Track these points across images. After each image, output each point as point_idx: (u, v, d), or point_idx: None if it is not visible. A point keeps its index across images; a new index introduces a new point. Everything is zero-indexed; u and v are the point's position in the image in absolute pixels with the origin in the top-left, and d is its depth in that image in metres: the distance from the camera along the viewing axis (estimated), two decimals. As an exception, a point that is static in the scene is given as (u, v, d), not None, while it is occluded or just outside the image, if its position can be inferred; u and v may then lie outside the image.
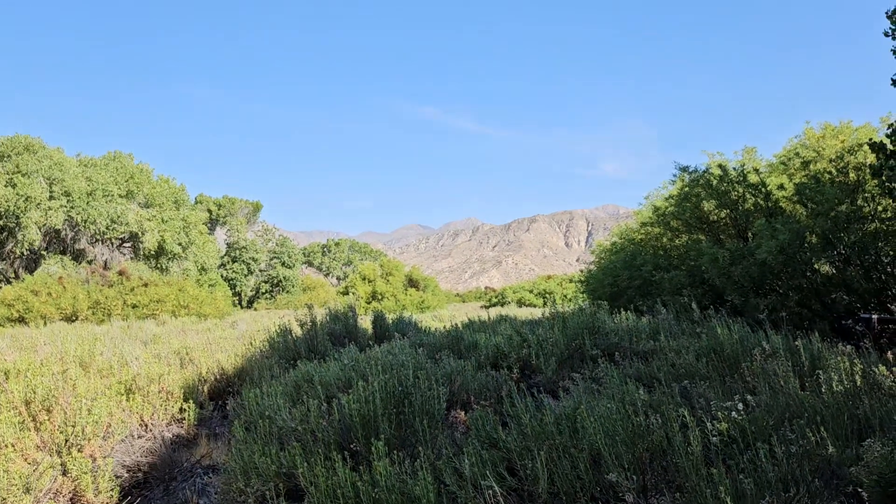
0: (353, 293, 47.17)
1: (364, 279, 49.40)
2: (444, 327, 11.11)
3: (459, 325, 10.55)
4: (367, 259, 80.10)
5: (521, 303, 59.40)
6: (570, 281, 62.10)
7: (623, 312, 9.54)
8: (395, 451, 4.02)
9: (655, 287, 13.54)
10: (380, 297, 46.43)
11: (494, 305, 57.31)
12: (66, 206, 36.26)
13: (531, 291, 63.45)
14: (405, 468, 3.84)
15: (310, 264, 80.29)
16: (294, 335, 9.35)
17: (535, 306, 52.76)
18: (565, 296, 56.93)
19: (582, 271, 25.91)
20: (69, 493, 4.38)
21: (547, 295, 60.46)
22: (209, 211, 60.97)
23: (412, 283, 50.15)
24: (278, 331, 9.51)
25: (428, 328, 12.17)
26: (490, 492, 3.58)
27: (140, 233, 39.48)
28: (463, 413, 5.96)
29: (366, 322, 12.16)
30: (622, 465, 3.57)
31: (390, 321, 11.64)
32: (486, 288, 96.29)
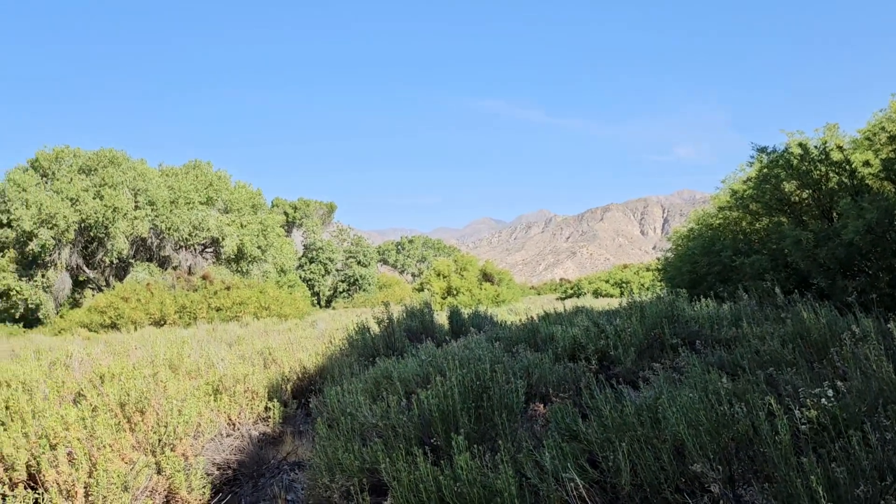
0: (428, 289, 47.50)
1: (438, 275, 49.66)
2: (520, 320, 11.07)
3: (535, 317, 10.49)
4: (440, 255, 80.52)
5: (597, 293, 58.76)
6: (647, 269, 61.07)
7: (703, 300, 9.32)
8: (474, 445, 4.04)
9: (736, 273, 13.18)
10: (455, 293, 46.61)
11: (570, 297, 56.86)
12: (150, 215, 37.73)
13: (607, 281, 62.69)
14: (486, 462, 3.85)
15: (385, 262, 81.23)
16: (372, 333, 9.47)
17: (611, 296, 52.08)
18: (642, 285, 56.04)
19: (659, 259, 25.43)
20: (164, 490, 4.56)
21: (623, 284, 59.63)
22: (285, 213, 62.38)
23: (486, 277, 50.14)
24: (356, 329, 9.65)
25: (504, 322, 12.15)
26: (572, 484, 3.57)
27: (221, 238, 40.72)
28: (542, 406, 5.94)
29: (442, 318, 12.22)
30: (707, 455, 3.49)
31: (466, 316, 11.67)
32: (560, 280, 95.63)
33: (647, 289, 49.73)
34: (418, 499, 3.68)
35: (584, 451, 3.99)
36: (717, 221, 17.17)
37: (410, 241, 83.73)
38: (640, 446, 3.66)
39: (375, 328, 9.69)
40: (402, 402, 5.03)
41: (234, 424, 6.17)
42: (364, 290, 59.05)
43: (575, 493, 3.54)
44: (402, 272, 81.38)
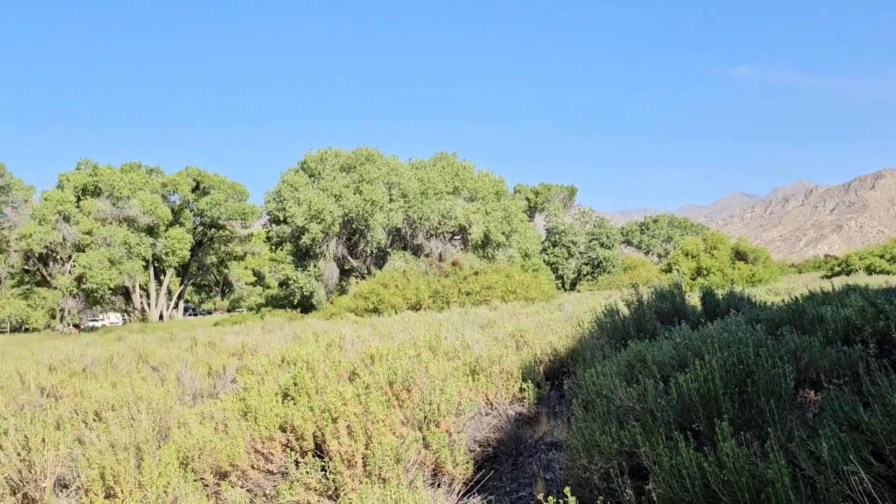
0: (676, 270, 45.78)
1: (687, 255, 47.65)
2: (782, 301, 10.33)
3: (799, 297, 9.72)
4: (687, 234, 77.25)
5: (870, 270, 53.09)
6: (933, 242, 54.01)
7: None
8: (739, 433, 3.85)
9: None
10: (705, 273, 44.46)
11: (837, 275, 51.91)
12: (403, 207, 40.36)
13: (882, 257, 56.37)
14: (753, 450, 3.66)
15: (628, 243, 79.65)
16: (621, 315, 9.34)
17: (888, 273, 46.74)
18: (927, 259, 49.70)
19: (948, 230, 22.37)
20: (431, 464, 4.86)
21: (903, 259, 53.28)
22: (527, 199, 63.41)
23: (739, 255, 47.20)
24: (605, 311, 9.56)
25: (763, 302, 11.40)
26: (855, 478, 3.28)
27: (467, 225, 42.39)
28: (813, 392, 5.52)
29: (693, 299, 11.75)
30: None
31: (720, 297, 11.11)
32: (825, 256, 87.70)
33: (933, 263, 44.01)
34: (681, 484, 3.59)
35: (867, 443, 3.65)
36: None
37: (655, 221, 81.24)
38: (937, 439, 3.28)
39: (624, 310, 9.54)
40: (659, 386, 4.91)
41: (491, 404, 6.42)
42: (608, 272, 58.30)
43: (860, 487, 3.25)
44: (646, 253, 79.29)
